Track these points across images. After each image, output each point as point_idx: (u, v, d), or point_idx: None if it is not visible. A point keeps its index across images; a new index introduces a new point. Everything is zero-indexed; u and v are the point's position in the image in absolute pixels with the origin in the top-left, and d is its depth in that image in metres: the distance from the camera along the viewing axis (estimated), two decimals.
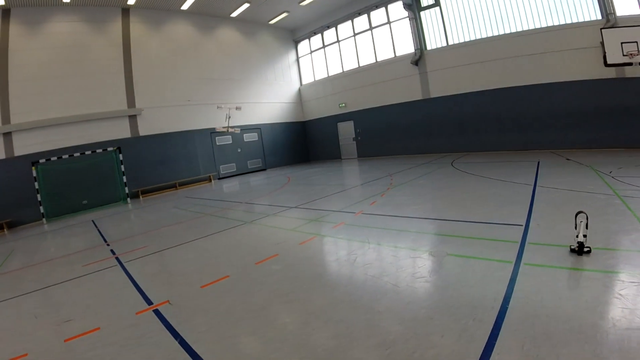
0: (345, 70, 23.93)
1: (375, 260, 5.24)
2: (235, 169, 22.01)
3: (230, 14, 21.73)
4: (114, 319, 4.29)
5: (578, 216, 4.86)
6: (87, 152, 16.24)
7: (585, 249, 4.75)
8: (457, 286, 4.19)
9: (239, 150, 22.13)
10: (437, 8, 19.73)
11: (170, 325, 3.90)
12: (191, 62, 20.65)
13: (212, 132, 20.85)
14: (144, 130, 18.53)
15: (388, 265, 4.94)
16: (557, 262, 4.64)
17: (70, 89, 16.54)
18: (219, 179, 21.06)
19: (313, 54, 25.83)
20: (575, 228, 4.87)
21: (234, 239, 7.41)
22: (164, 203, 14.38)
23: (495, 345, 2.99)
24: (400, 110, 21.27)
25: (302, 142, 26.46)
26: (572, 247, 4.84)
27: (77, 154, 16.02)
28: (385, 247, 5.75)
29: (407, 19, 20.36)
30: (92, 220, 12.85)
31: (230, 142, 21.81)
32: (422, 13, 20.20)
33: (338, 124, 24.64)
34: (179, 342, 3.52)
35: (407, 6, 20.01)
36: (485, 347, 2.97)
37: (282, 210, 9.64)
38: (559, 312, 3.51)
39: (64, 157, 15.68)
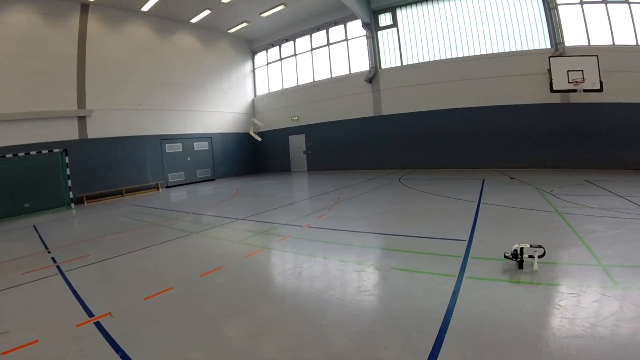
0: (300, 83, 24.17)
1: (321, 273, 5.28)
2: (183, 178, 21.42)
3: (191, 19, 21.43)
4: (53, 331, 4.06)
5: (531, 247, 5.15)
6: (32, 153, 15.19)
7: (535, 260, 4.99)
8: (401, 299, 4.29)
9: (189, 159, 21.58)
10: (395, 29, 20.55)
11: (112, 338, 3.75)
12: (147, 66, 20.05)
13: (163, 139, 20.36)
14: (93, 132, 17.67)
15: (333, 279, 5.00)
16: (498, 276, 4.87)
17: (18, 84, 15.57)
18: (167, 187, 20.44)
19: (269, 65, 25.90)
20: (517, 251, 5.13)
21: (179, 250, 7.25)
22: (109, 210, 13.80)
23: (439, 356, 3.08)
24: (352, 126, 21.75)
25: (253, 154, 26.23)
26: (507, 254, 5.12)
27: (21, 154, 14.96)
28: (331, 261, 5.82)
29: (365, 37, 20.99)
30: (34, 225, 12.09)
31: (181, 150, 21.26)
32: (379, 33, 20.95)
33: (289, 136, 24.74)
34: (121, 357, 3.39)
35: (365, 25, 20.62)
36: (428, 358, 3.05)
37: (229, 221, 9.53)
38: (501, 323, 3.67)
39: (7, 156, 14.62)
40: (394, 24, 20.61)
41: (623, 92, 17.15)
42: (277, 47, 25.15)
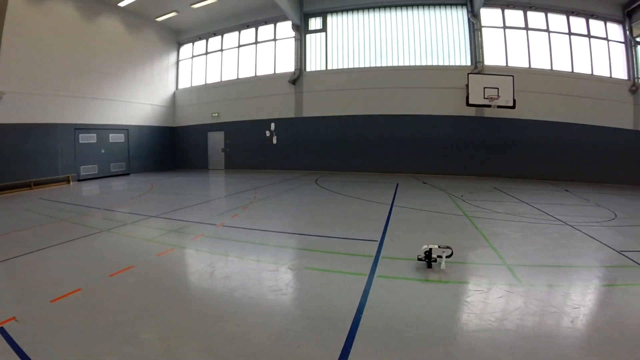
0: (223, 80, 23.74)
1: (234, 273, 5.25)
2: (97, 171, 19.89)
3: (119, 2, 19.97)
4: None
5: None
6: None
7: (443, 260, 5.33)
8: (313, 298, 4.37)
9: (103, 151, 20.01)
10: (324, 33, 21.01)
11: (18, 346, 3.41)
12: (68, 49, 18.33)
13: (77, 129, 18.79)
14: (2, 117, 15.78)
15: (247, 279, 5.00)
16: (409, 275, 5.13)
17: None
18: (79, 180, 18.92)
19: (194, 59, 25.15)
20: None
21: (88, 248, 6.82)
22: (15, 204, 12.46)
23: (350, 353, 3.17)
24: (277, 125, 21.46)
25: (170, 149, 25.18)
26: (420, 256, 5.42)
27: None
28: (244, 260, 5.82)
29: (293, 39, 21.16)
30: None
31: (95, 141, 19.70)
32: (308, 36, 21.27)
33: (209, 133, 24.20)
34: None
35: (295, 27, 20.79)
36: (340, 355, 3.13)
37: (142, 219, 9.16)
38: (411, 320, 3.85)
39: None
40: (324, 28, 21.09)
41: (534, 110, 19.17)
42: (204, 41, 24.48)
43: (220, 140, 23.79)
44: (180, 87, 25.54)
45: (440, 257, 5.36)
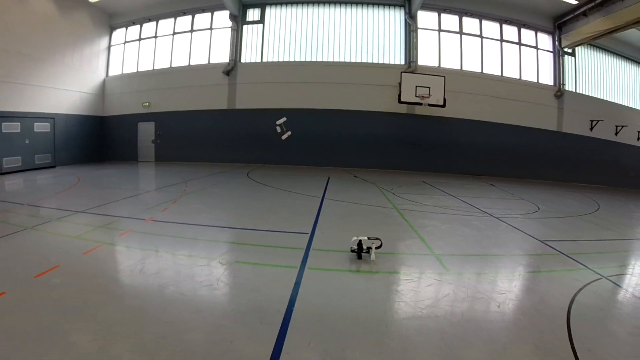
0: (156, 68, 22.64)
1: (164, 269, 5.09)
2: (20, 164, 18.08)
3: None
4: None
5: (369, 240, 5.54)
6: None
7: (366, 251, 5.44)
8: (244, 292, 4.33)
9: (27, 142, 18.47)
10: (261, 25, 20.77)
11: None
12: None
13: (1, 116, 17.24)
14: None
15: (176, 274, 4.85)
16: (339, 266, 5.19)
17: None
18: (1, 174, 17.81)
19: (127, 44, 23.70)
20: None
21: (10, 248, 6.23)
22: None
23: (284, 345, 3.17)
24: (205, 117, 21.27)
25: (99, 139, 23.50)
26: (353, 248, 5.51)
27: None
28: (175, 256, 5.64)
29: (230, 29, 20.72)
30: None
31: (19, 130, 17.87)
32: (245, 26, 20.93)
33: (139, 123, 22.94)
34: None
35: (232, 17, 20.38)
36: (274, 348, 3.12)
37: (68, 215, 8.54)
38: (343, 310, 3.91)
39: None
40: (262, 20, 20.85)
41: (464, 110, 20.28)
42: (139, 26, 23.20)
43: (150, 131, 22.68)
44: (110, 74, 24.01)
45: (370, 248, 5.45)
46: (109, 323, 3.61)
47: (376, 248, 5.47)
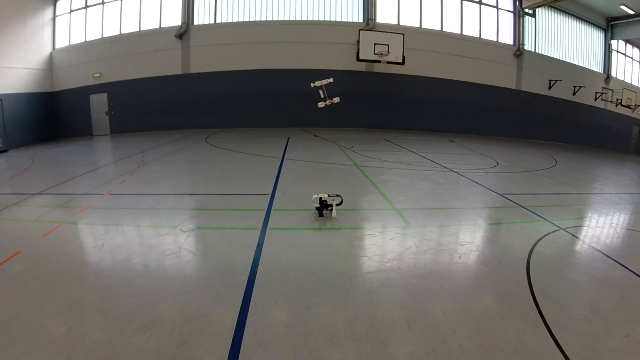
0: (105, 36, 21.22)
1: (124, 242, 4.97)
2: None
3: None
4: None
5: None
6: None
7: (329, 208, 5.47)
8: (207, 257, 4.34)
9: None
10: None
11: None
12: None
13: None
14: None
15: (137, 247, 4.78)
16: (301, 224, 5.23)
17: None
18: None
19: (73, 13, 21.93)
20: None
21: None
22: None
23: (250, 307, 3.22)
24: (159, 84, 20.44)
25: (51, 117, 22.09)
26: (317, 206, 5.51)
27: None
28: (134, 228, 5.55)
29: None
30: None
31: None
32: None
33: (91, 96, 21.54)
34: None
35: None
36: (240, 311, 3.16)
37: (24, 198, 8.14)
38: (307, 268, 3.96)
39: None
40: None
41: (423, 68, 20.47)
42: None
43: (103, 103, 21.50)
44: (57, 46, 22.40)
45: (331, 205, 5.47)
46: (76, 303, 3.55)
47: (337, 205, 5.49)
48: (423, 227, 5.34)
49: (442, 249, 4.59)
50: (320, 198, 5.43)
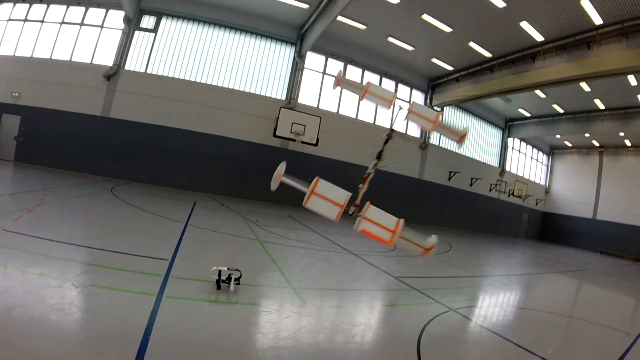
0: (35, 56, 20.21)
1: (13, 288, 4.56)
2: None
3: None
4: None
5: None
6: None
7: (228, 282, 5.53)
8: (99, 318, 4.14)
9: None
10: (153, 34, 20.27)
11: None
12: None
13: None
14: None
15: (26, 295, 4.41)
16: (198, 295, 5.27)
17: None
18: None
19: (9, 22, 20.72)
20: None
21: None
22: None
23: None
24: (76, 121, 19.44)
25: None
26: (216, 278, 5.58)
27: None
28: (24, 273, 5.12)
29: (121, 31, 19.85)
30: None
31: None
32: (137, 32, 20.20)
33: (3, 114, 19.84)
34: None
35: (127, 19, 19.60)
36: None
37: None
38: (201, 340, 4.00)
39: None
40: (155, 29, 20.38)
41: (335, 151, 22.28)
42: (27, 5, 20.53)
43: (15, 125, 19.85)
44: None
45: (230, 279, 5.58)
46: None
47: (236, 279, 5.61)
48: (319, 306, 5.58)
49: (336, 328, 4.84)
50: (220, 270, 5.54)
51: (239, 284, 5.67)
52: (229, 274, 5.59)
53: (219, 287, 5.51)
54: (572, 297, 11.25)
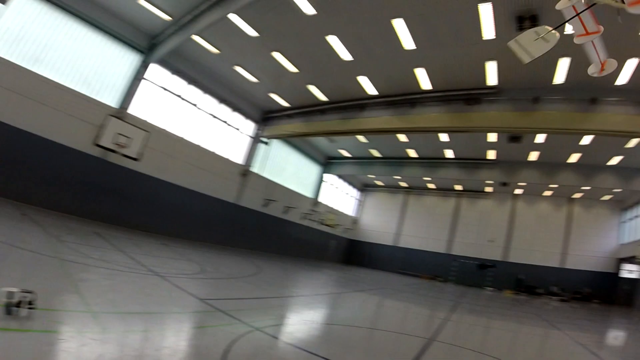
0: None
1: None
2: None
3: None
4: None
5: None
6: None
7: (25, 306, 4.82)
8: None
9: None
10: None
11: None
12: None
13: None
14: None
15: None
16: None
17: None
18: None
19: None
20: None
21: None
22: None
23: None
24: None
25: None
26: (6, 301, 4.80)
27: None
28: None
29: None
30: None
31: None
32: None
33: None
34: None
35: None
36: None
37: None
38: None
39: None
40: None
41: (157, 168, 21.59)
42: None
43: None
44: None
45: (21, 302, 4.87)
46: None
47: (29, 303, 4.94)
48: (122, 332, 5.24)
49: (140, 354, 4.60)
50: (11, 292, 4.85)
51: (32, 308, 4.97)
52: (21, 297, 4.88)
53: (8, 312, 4.75)
54: (373, 311, 12.62)
